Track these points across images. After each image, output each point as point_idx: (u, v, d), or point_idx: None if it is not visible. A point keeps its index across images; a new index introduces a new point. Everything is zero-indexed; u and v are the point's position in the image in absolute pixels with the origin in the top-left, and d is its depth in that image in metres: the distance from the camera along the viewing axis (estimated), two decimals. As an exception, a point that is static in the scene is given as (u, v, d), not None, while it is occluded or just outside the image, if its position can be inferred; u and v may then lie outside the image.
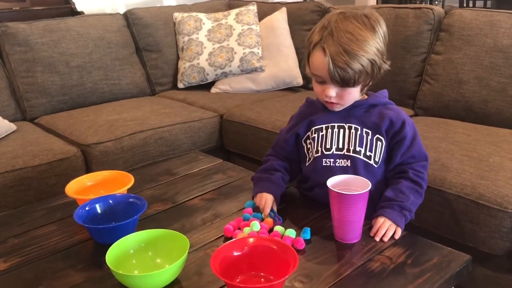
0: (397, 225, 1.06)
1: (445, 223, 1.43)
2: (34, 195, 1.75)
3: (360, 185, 1.02)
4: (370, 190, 1.10)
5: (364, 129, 1.15)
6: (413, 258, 0.97)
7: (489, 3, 4.85)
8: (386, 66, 1.11)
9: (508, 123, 1.81)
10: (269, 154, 1.30)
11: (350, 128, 1.15)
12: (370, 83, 1.13)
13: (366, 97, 1.19)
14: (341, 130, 1.15)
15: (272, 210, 1.14)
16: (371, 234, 1.05)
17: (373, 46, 1.05)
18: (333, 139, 1.16)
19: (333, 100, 1.11)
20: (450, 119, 1.93)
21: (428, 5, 2.16)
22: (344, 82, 1.06)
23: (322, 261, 0.97)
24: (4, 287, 0.94)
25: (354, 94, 1.11)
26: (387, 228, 1.05)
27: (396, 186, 1.12)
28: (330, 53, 1.03)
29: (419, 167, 1.15)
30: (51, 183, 1.78)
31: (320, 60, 1.06)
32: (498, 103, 1.84)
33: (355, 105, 1.16)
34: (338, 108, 1.16)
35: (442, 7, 2.19)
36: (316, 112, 1.21)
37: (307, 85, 2.61)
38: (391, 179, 1.16)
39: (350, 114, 1.16)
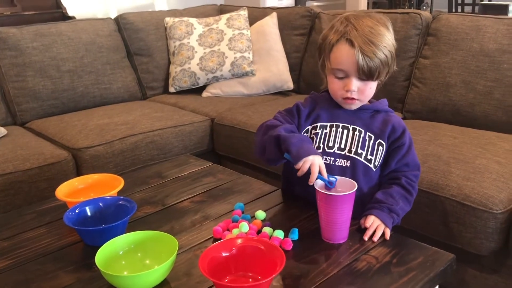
0: (386, 226, 1.07)
1: (432, 224, 1.45)
2: (24, 199, 1.75)
3: (347, 186, 1.04)
4: (364, 193, 1.12)
5: (368, 133, 1.17)
6: (399, 257, 0.98)
7: (477, 9, 4.91)
8: (395, 65, 1.15)
9: (494, 126, 1.84)
10: (277, 117, 1.23)
11: (354, 130, 1.17)
12: (383, 80, 1.15)
13: (369, 103, 1.21)
14: (345, 131, 1.17)
15: (320, 177, 1.04)
16: (367, 225, 1.06)
17: (389, 40, 1.10)
18: (336, 138, 1.17)
19: (354, 96, 1.13)
20: (437, 122, 1.96)
21: (416, 10, 2.20)
22: (370, 73, 1.08)
23: (310, 261, 0.98)
24: (-6, 289, 0.95)
25: (373, 89, 1.14)
26: (376, 228, 1.07)
27: (387, 190, 1.14)
28: (358, 44, 1.06)
29: (411, 176, 1.17)
30: (41, 187, 1.78)
31: (347, 52, 1.08)
32: (484, 106, 1.87)
33: (361, 108, 1.18)
34: (355, 106, 1.17)
35: (430, 13, 2.22)
36: (322, 107, 1.21)
37: (297, 89, 2.63)
38: (384, 184, 1.19)
39: (355, 116, 1.18)
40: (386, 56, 1.09)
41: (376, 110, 1.20)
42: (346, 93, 1.12)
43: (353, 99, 1.13)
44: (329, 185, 1.04)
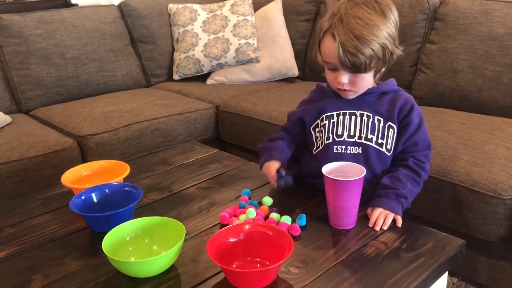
0: (395, 213, 1.05)
1: (441, 210, 1.44)
2: (30, 186, 1.75)
3: (355, 172, 1.03)
4: (378, 178, 1.10)
5: (376, 117, 1.15)
6: (408, 243, 0.98)
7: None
8: (398, 52, 1.12)
9: (503, 112, 1.82)
10: (278, 131, 1.30)
11: (362, 115, 1.15)
12: (383, 69, 1.13)
13: (376, 85, 1.19)
14: (353, 117, 1.15)
15: (279, 173, 1.14)
16: (370, 225, 1.04)
17: (383, 31, 1.06)
18: (345, 126, 1.15)
19: (346, 87, 1.11)
20: (445, 108, 1.94)
21: (423, -5, 2.16)
22: (355, 68, 1.06)
23: (318, 246, 0.97)
24: (1, 275, 0.94)
25: (367, 80, 1.11)
26: (384, 218, 1.04)
27: (393, 174, 1.12)
28: (340, 39, 1.04)
29: (421, 157, 1.14)
30: (47, 175, 1.78)
31: (330, 47, 1.06)
32: (492, 91, 1.84)
33: (367, 93, 1.16)
34: (351, 96, 1.15)
35: (438, -3, 2.18)
36: (327, 98, 1.20)
37: (302, 76, 2.61)
38: (392, 166, 1.16)
39: (362, 101, 1.16)
40: (374, 50, 1.04)
41: (383, 92, 1.17)
42: (339, 85, 1.11)
43: (346, 90, 1.12)
44: (282, 182, 1.13)
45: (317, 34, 1.13)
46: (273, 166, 1.15)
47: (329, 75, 1.13)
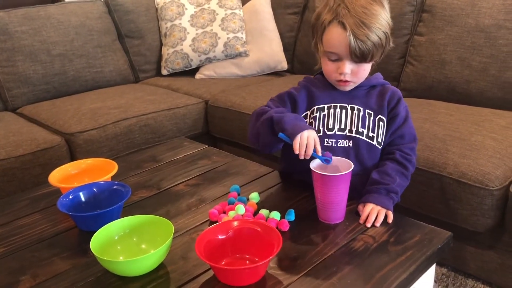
0: (387, 209, 1.05)
1: (428, 202, 1.45)
2: (18, 185, 1.73)
3: (343, 166, 1.03)
4: (369, 172, 1.10)
5: (367, 110, 1.15)
6: (396, 236, 0.98)
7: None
8: (391, 43, 1.12)
9: (490, 103, 1.83)
10: (267, 105, 1.20)
11: (352, 109, 1.15)
12: (379, 59, 1.13)
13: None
14: (344, 111, 1.15)
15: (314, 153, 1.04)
16: (361, 221, 1.03)
17: (384, 20, 1.07)
18: (336, 119, 1.15)
19: (348, 78, 1.11)
20: (433, 100, 1.94)
21: (410, -14, 2.16)
22: (363, 56, 1.06)
23: (307, 241, 0.98)
24: (-11, 277, 0.94)
25: (367, 70, 1.12)
26: (376, 214, 1.04)
27: (382, 169, 1.12)
28: (351, 27, 1.03)
29: (407, 149, 1.15)
30: (35, 173, 1.77)
31: (339, 35, 1.05)
32: (480, 83, 1.85)
33: (357, 86, 1.16)
34: (349, 87, 1.15)
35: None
36: (317, 89, 1.18)
37: (291, 69, 2.61)
38: (379, 160, 1.16)
39: (352, 95, 1.16)
40: (380, 38, 1.06)
41: (371, 86, 1.18)
42: (340, 76, 1.10)
43: (346, 81, 1.12)
44: (325, 163, 1.03)
45: (318, 24, 1.10)
46: (316, 137, 1.03)
47: (329, 66, 1.11)
